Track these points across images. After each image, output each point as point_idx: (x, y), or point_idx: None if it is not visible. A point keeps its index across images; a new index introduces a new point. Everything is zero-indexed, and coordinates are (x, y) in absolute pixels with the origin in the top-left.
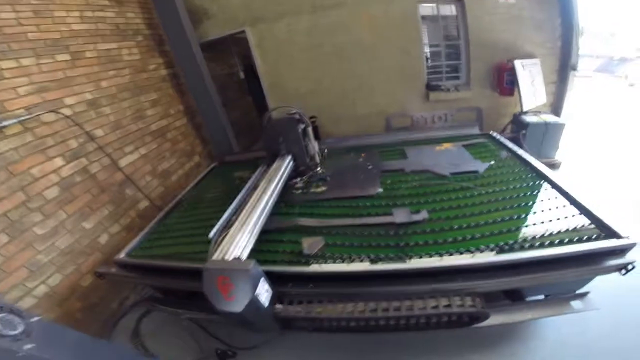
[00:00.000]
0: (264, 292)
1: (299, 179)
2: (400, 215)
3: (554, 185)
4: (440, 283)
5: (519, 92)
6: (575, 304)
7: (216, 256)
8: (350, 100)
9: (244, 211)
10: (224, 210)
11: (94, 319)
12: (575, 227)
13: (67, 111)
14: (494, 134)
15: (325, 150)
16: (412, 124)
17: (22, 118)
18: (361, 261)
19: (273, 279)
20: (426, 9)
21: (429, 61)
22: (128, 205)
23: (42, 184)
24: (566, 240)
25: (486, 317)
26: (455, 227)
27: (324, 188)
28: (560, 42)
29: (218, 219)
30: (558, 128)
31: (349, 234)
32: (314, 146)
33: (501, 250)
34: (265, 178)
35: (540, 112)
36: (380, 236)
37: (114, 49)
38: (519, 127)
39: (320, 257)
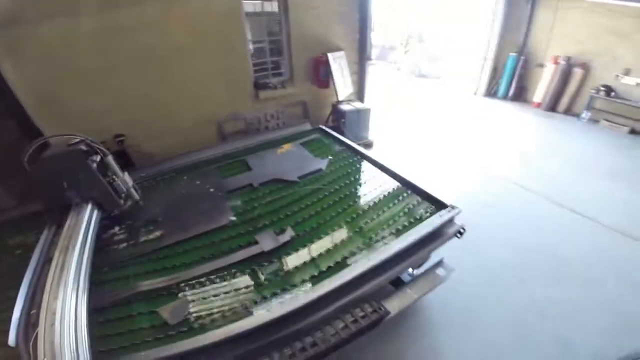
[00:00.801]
0: None
1: (116, 228)
2: (267, 242)
3: (387, 171)
4: (336, 302)
5: (333, 84)
6: (440, 271)
7: None
8: (166, 111)
9: (46, 296)
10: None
11: None
12: (414, 206)
13: None
14: (324, 127)
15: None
16: (247, 126)
17: None
18: (248, 310)
19: None
20: (249, 5)
21: (254, 58)
22: None
23: None
24: (415, 219)
25: (388, 313)
26: (322, 236)
27: (159, 232)
28: (359, 35)
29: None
30: (367, 112)
31: (217, 281)
32: (125, 180)
33: (369, 246)
34: (62, 241)
35: (351, 100)
36: (254, 272)
37: None
38: (338, 116)
39: (194, 322)
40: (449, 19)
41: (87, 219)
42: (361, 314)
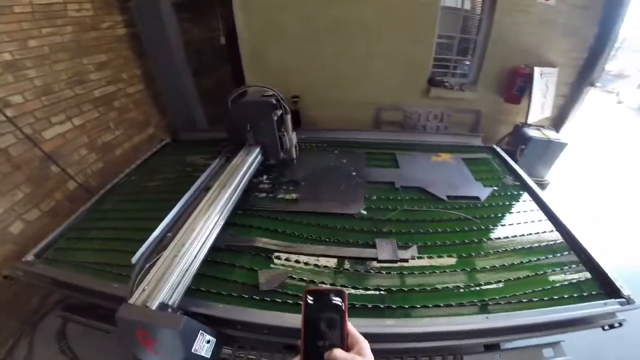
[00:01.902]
0: (203, 345)
1: (264, 177)
2: (384, 250)
3: (559, 228)
4: (419, 342)
5: (528, 102)
6: (548, 352)
7: (136, 297)
8: (341, 85)
9: (185, 227)
10: (164, 210)
11: (10, 318)
12: (577, 282)
13: None
14: (497, 149)
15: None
16: (404, 118)
17: None
18: None
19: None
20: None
21: (437, 53)
22: (53, 185)
23: None
24: (564, 297)
25: None
26: (446, 272)
27: (295, 195)
28: (587, 54)
29: (154, 220)
30: (559, 147)
31: (320, 267)
32: (292, 138)
33: (488, 309)
34: (224, 175)
35: (542, 126)
36: (357, 273)
37: (57, 3)
38: (518, 140)
39: (281, 295)
40: None
41: (251, 161)
42: None
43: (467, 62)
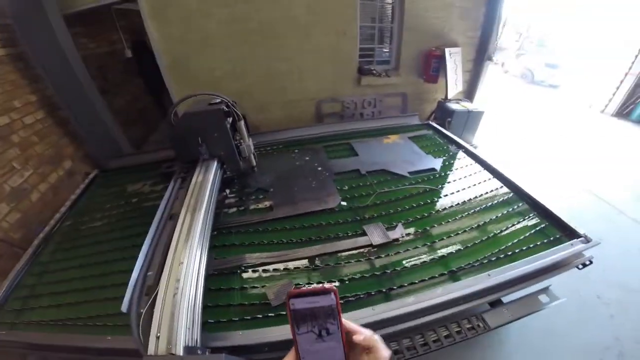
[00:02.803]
0: None
1: (227, 191)
2: (376, 235)
3: (507, 184)
4: (441, 312)
5: (445, 80)
6: (543, 298)
7: (155, 347)
8: (278, 85)
9: (169, 261)
10: (124, 249)
11: None
12: (540, 229)
13: None
14: (433, 124)
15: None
16: (343, 109)
17: None
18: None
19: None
20: None
21: (360, 43)
22: None
23: None
24: (538, 244)
25: (489, 329)
26: (436, 242)
27: (268, 203)
28: (480, 32)
29: (117, 261)
30: (478, 115)
31: (320, 267)
32: (249, 145)
33: (484, 266)
34: (188, 198)
35: (460, 99)
36: (359, 263)
37: None
38: (444, 114)
39: None
40: (586, 15)
41: (213, 175)
42: (468, 325)
43: (386, 50)
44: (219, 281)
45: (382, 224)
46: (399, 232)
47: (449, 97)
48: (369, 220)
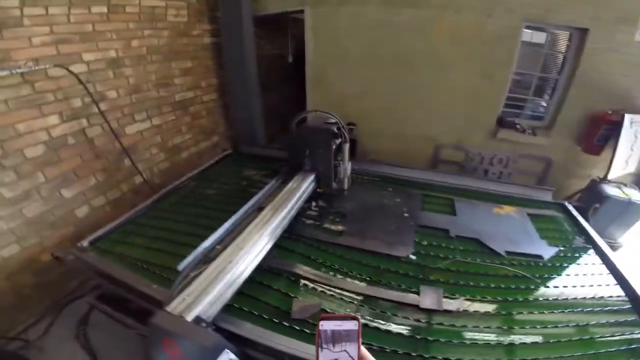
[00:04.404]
0: None
1: (313, 204)
2: (428, 298)
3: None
4: None
5: (612, 154)
6: None
7: (175, 305)
8: (399, 116)
9: (236, 243)
10: (217, 220)
11: (45, 297)
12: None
13: (81, 67)
14: (569, 207)
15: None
16: (466, 160)
17: (20, 70)
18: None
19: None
20: (528, 34)
21: (509, 91)
22: (122, 176)
23: (25, 140)
24: None
25: None
26: (492, 336)
27: (341, 228)
28: None
29: (206, 228)
30: None
31: (355, 304)
32: (347, 168)
33: None
34: (279, 198)
35: (624, 184)
36: (395, 317)
37: (160, 7)
38: (592, 197)
39: (310, 326)
40: None
41: (306, 187)
42: None
43: (544, 104)
44: (266, 277)
45: (444, 292)
46: (456, 305)
47: (610, 177)
48: (431, 283)
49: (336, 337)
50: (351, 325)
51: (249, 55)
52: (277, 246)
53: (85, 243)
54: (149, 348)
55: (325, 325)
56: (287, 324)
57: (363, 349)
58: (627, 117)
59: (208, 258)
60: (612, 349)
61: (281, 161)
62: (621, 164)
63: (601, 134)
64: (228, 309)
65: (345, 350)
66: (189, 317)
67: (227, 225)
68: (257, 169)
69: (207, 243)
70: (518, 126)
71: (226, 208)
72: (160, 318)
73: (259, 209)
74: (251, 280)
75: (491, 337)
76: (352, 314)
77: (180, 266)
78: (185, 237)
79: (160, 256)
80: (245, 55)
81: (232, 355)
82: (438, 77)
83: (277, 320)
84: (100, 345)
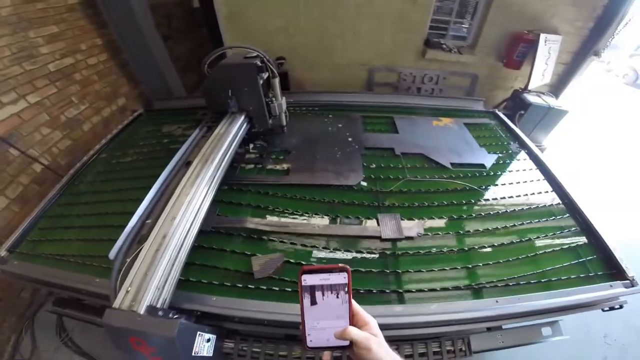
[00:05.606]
0: (204, 346)
1: (251, 146)
2: (388, 227)
3: (565, 198)
4: (429, 327)
5: (531, 68)
6: (546, 330)
7: (120, 300)
8: (330, 46)
9: (165, 213)
10: (142, 189)
11: (7, 315)
12: (584, 262)
13: None
14: (500, 114)
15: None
16: (398, 81)
17: None
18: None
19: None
20: None
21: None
22: (16, 169)
23: None
24: (572, 277)
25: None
26: (454, 250)
27: (286, 166)
28: (594, 24)
29: (133, 201)
30: (559, 114)
31: (318, 248)
32: (281, 104)
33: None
34: (206, 147)
35: (542, 92)
36: (361, 253)
37: None
38: (517, 106)
39: (277, 282)
40: None
41: (236, 131)
42: (449, 347)
43: (465, 26)
44: (215, 240)
45: (401, 216)
46: (415, 230)
47: (530, 87)
48: (388, 209)
49: (324, 293)
50: (339, 278)
51: (139, 7)
52: (218, 202)
53: (2, 252)
54: (120, 350)
55: (309, 280)
56: (252, 287)
57: (355, 304)
58: (542, 36)
59: (141, 236)
60: (549, 250)
61: (204, 108)
62: (539, 76)
63: (520, 51)
64: (185, 285)
65: (333, 307)
66: (141, 309)
67: (151, 193)
68: (178, 122)
69: (133, 220)
70: (444, 46)
71: (152, 173)
72: (111, 317)
73: (187, 164)
74: (201, 247)
75: (451, 249)
76: (341, 265)
77: (112, 254)
78: (112, 219)
79: (93, 245)
80: (133, 7)
81: (208, 335)
82: (363, 3)
83: (241, 285)
84: (93, 349)
